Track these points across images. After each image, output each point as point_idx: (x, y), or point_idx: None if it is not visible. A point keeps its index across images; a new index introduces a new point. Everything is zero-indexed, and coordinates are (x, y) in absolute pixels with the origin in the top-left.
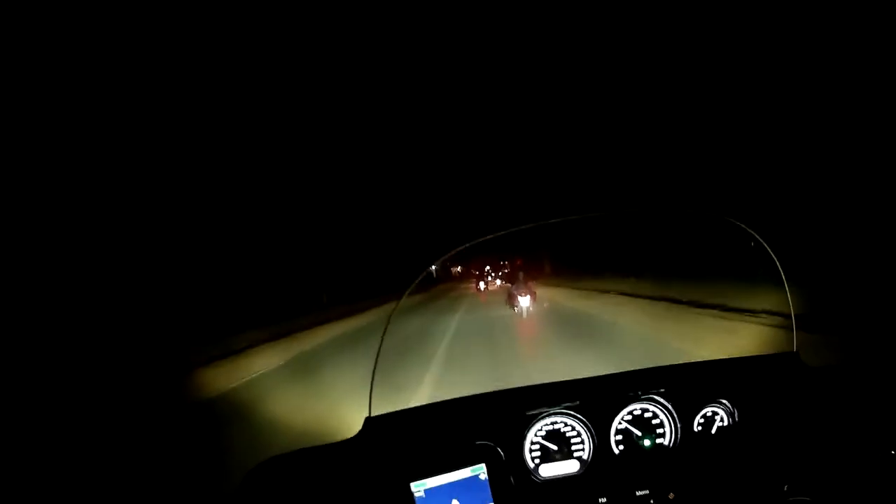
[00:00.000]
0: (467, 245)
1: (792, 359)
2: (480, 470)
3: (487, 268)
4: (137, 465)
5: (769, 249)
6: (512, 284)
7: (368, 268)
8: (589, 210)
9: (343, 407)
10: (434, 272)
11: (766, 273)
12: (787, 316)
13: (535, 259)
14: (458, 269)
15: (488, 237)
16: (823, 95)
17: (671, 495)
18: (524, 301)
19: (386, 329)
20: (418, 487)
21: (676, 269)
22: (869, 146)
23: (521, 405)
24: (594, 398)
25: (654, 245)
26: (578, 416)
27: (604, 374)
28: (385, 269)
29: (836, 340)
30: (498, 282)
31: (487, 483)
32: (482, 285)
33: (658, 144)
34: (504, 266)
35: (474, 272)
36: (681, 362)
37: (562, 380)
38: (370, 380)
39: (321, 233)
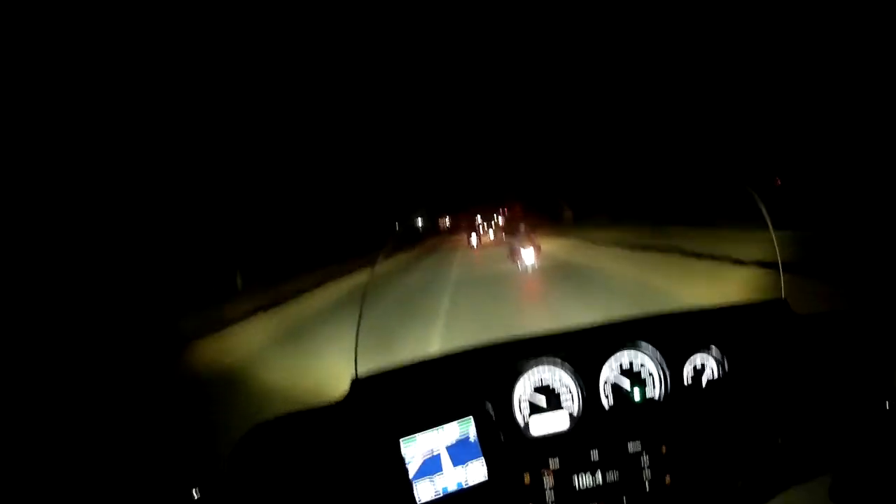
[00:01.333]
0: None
1: (780, 305)
2: (469, 423)
3: (479, 218)
4: None
5: (755, 195)
6: (513, 236)
7: (319, 229)
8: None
9: None
10: (419, 226)
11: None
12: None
13: (531, 207)
14: (447, 220)
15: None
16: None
17: (663, 449)
18: (528, 256)
19: (366, 293)
20: (408, 443)
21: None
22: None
23: (508, 358)
24: (580, 349)
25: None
26: (567, 367)
27: (591, 325)
28: (346, 228)
29: (827, 289)
30: (491, 234)
31: (476, 437)
32: (474, 239)
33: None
34: (500, 214)
35: (463, 224)
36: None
37: (547, 332)
38: (354, 339)
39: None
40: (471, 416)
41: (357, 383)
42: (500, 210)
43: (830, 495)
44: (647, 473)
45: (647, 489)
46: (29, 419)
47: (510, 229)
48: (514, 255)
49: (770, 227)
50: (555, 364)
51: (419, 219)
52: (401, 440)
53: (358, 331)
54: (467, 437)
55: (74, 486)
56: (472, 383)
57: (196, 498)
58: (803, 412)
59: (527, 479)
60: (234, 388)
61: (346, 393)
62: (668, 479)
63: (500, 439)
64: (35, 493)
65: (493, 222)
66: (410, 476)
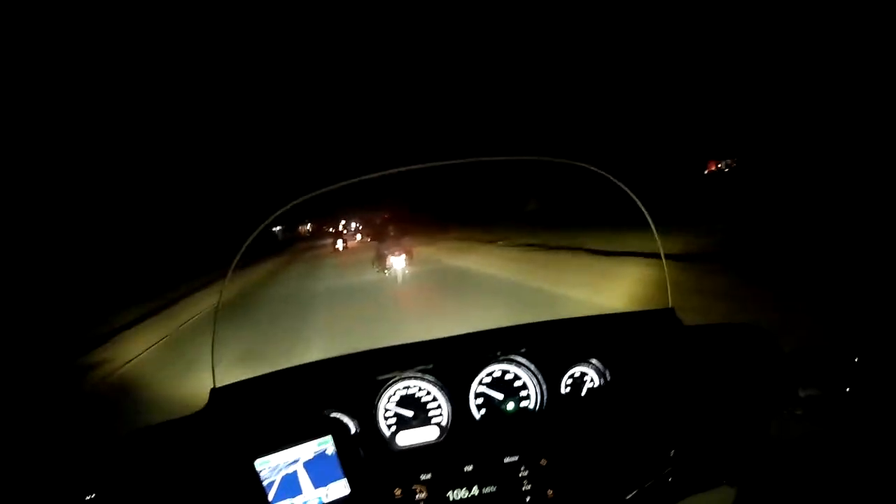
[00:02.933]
0: (312, 195)
1: (666, 315)
2: (327, 443)
3: (343, 223)
4: None
5: (633, 196)
6: (380, 242)
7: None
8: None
9: None
10: (278, 233)
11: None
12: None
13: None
14: (308, 226)
15: (341, 184)
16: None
17: (543, 461)
18: (397, 261)
19: (220, 297)
20: (262, 465)
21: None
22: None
23: (370, 370)
24: (449, 360)
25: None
26: (433, 379)
27: (460, 333)
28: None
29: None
30: (358, 236)
31: (336, 456)
32: (340, 244)
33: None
34: (369, 221)
35: (328, 230)
36: (545, 319)
37: (414, 341)
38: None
39: None
40: (329, 436)
41: (215, 392)
42: (364, 218)
43: None
44: (526, 486)
45: (528, 503)
46: None
47: (378, 235)
48: (381, 261)
49: (654, 230)
50: (421, 375)
51: (277, 226)
52: (256, 460)
53: (213, 338)
54: (326, 455)
55: None
56: (332, 396)
57: None
58: (695, 424)
59: (398, 493)
60: None
61: (205, 404)
62: (550, 492)
63: (364, 455)
64: None
65: (360, 227)
66: (269, 497)
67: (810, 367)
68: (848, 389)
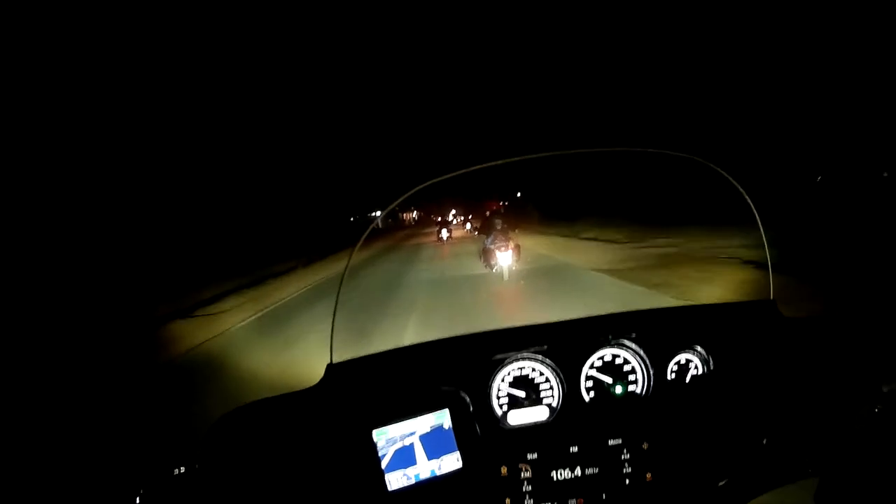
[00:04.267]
0: (423, 186)
1: (768, 307)
2: (444, 416)
3: (454, 212)
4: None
5: (743, 192)
6: (486, 236)
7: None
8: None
9: None
10: (380, 222)
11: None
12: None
13: (508, 207)
14: (414, 214)
15: (449, 175)
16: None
17: (645, 445)
18: (504, 257)
19: (342, 280)
20: (380, 435)
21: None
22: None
23: (487, 349)
24: (563, 342)
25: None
26: (547, 361)
27: (574, 318)
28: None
29: (813, 289)
30: (468, 226)
31: (451, 430)
32: (444, 233)
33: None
34: (473, 212)
35: (434, 218)
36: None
37: (530, 324)
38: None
39: None
40: (446, 408)
41: (332, 368)
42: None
43: (815, 499)
44: (627, 469)
45: (627, 485)
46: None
47: (484, 228)
48: (486, 256)
49: (760, 224)
50: (535, 356)
51: (378, 212)
52: (373, 431)
53: (334, 317)
54: (442, 428)
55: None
56: (449, 374)
57: (174, 475)
58: (789, 414)
59: (504, 471)
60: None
61: (320, 379)
62: (648, 475)
63: (477, 431)
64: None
65: (466, 217)
66: (383, 466)
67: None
68: None
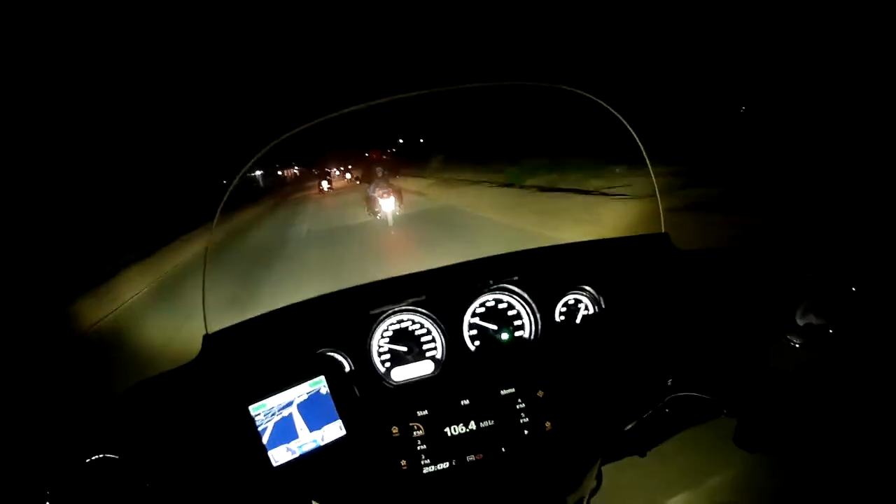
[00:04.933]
0: (294, 132)
1: (661, 240)
2: (320, 383)
3: (337, 167)
4: None
5: (623, 121)
6: (369, 184)
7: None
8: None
9: None
10: (259, 179)
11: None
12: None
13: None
14: (296, 170)
15: (310, 124)
16: None
17: (540, 393)
18: (387, 204)
19: (209, 243)
20: (257, 409)
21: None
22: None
23: (362, 304)
24: (441, 291)
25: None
26: (426, 311)
27: (450, 263)
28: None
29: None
30: (347, 176)
31: (329, 396)
32: (325, 185)
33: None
34: (357, 163)
35: (315, 172)
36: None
37: (404, 273)
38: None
39: None
40: (322, 376)
41: (208, 339)
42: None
43: (735, 439)
44: (524, 419)
45: (527, 436)
46: None
47: (366, 176)
48: (370, 203)
49: (645, 155)
50: (414, 308)
51: (258, 171)
52: (250, 407)
53: (204, 282)
54: (319, 396)
55: None
56: (326, 334)
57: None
58: (694, 351)
59: (395, 430)
60: None
61: (199, 352)
62: (548, 424)
63: (356, 394)
64: None
65: (348, 169)
66: (264, 442)
67: (808, 295)
68: (845, 320)
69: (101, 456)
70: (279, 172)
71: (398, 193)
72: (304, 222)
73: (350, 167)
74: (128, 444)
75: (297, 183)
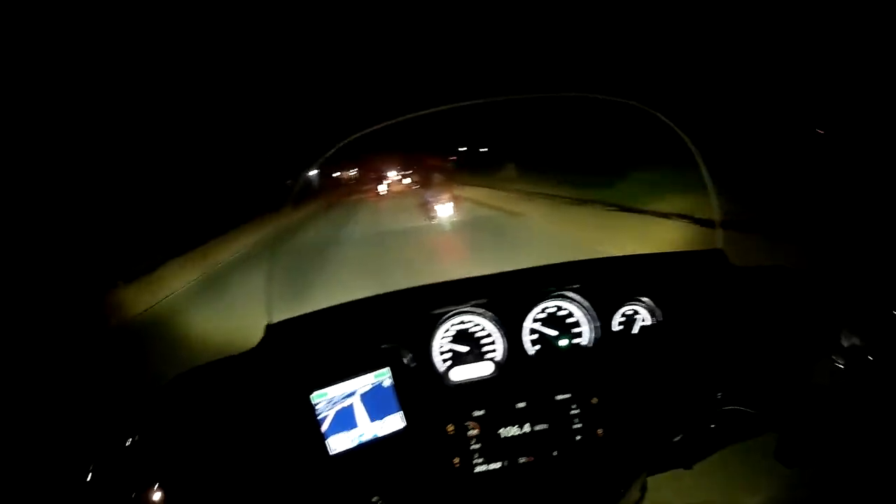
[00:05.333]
0: (360, 134)
1: (717, 256)
2: (385, 375)
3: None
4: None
5: (686, 138)
6: (425, 189)
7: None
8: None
9: None
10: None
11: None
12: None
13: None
14: (353, 172)
15: (381, 125)
16: None
17: (594, 399)
18: (443, 209)
19: (274, 245)
20: (319, 397)
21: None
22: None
23: (426, 304)
24: (504, 295)
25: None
26: (488, 314)
27: (515, 269)
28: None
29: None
30: (406, 180)
31: (393, 388)
32: (383, 188)
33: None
34: (413, 167)
35: (372, 175)
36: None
37: (469, 276)
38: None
39: None
40: (388, 367)
41: (270, 329)
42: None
43: (776, 454)
44: (577, 425)
45: (578, 441)
46: None
47: (424, 181)
48: (427, 209)
49: (706, 175)
50: (476, 310)
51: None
52: (312, 394)
53: (270, 273)
54: (382, 387)
55: None
56: (388, 330)
57: (89, 479)
58: (743, 367)
59: (450, 429)
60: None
61: (260, 340)
62: (600, 431)
63: (419, 389)
64: None
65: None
66: (323, 430)
67: (853, 318)
68: (886, 345)
69: (137, 438)
70: (334, 174)
71: (455, 199)
72: (359, 224)
73: (409, 172)
74: (174, 427)
75: (353, 185)
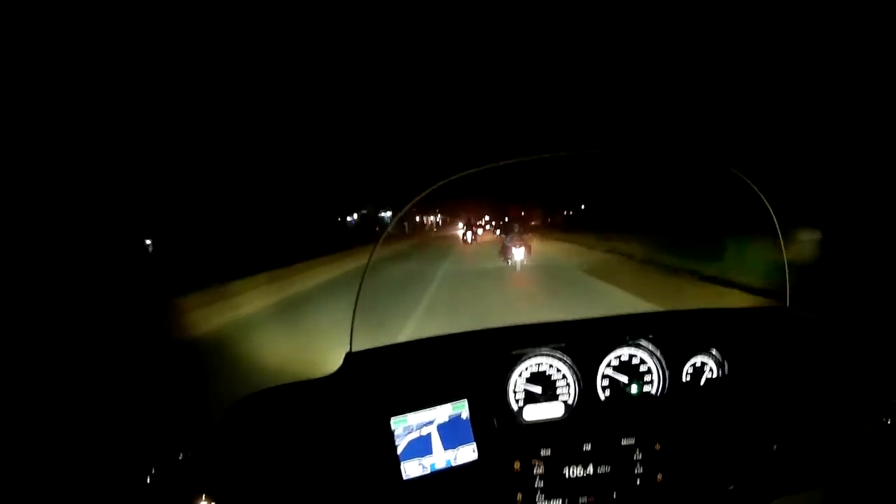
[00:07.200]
0: (440, 184)
1: (784, 313)
2: (463, 407)
3: (487, 218)
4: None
5: (766, 201)
6: (506, 236)
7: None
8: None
9: None
10: (405, 225)
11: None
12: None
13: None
14: (437, 218)
15: (466, 173)
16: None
17: (658, 446)
18: (518, 253)
19: (366, 269)
20: (398, 423)
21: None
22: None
23: (505, 344)
24: (581, 340)
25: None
26: (564, 358)
27: (593, 317)
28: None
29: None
30: (497, 232)
31: (469, 421)
32: (469, 235)
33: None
34: (502, 217)
35: (460, 224)
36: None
37: (549, 321)
38: (351, 316)
39: None
40: (465, 399)
41: (350, 357)
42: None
43: None
44: (639, 469)
45: (639, 485)
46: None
47: (506, 229)
48: (505, 252)
49: (778, 232)
50: (553, 353)
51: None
52: (391, 419)
53: (356, 307)
54: (459, 419)
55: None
56: (467, 367)
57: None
58: (801, 421)
59: (517, 465)
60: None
61: (339, 367)
62: (659, 476)
63: (493, 424)
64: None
65: (493, 222)
66: (398, 453)
67: None
68: None
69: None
70: (416, 218)
71: (528, 246)
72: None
73: (502, 221)
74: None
75: (438, 230)
